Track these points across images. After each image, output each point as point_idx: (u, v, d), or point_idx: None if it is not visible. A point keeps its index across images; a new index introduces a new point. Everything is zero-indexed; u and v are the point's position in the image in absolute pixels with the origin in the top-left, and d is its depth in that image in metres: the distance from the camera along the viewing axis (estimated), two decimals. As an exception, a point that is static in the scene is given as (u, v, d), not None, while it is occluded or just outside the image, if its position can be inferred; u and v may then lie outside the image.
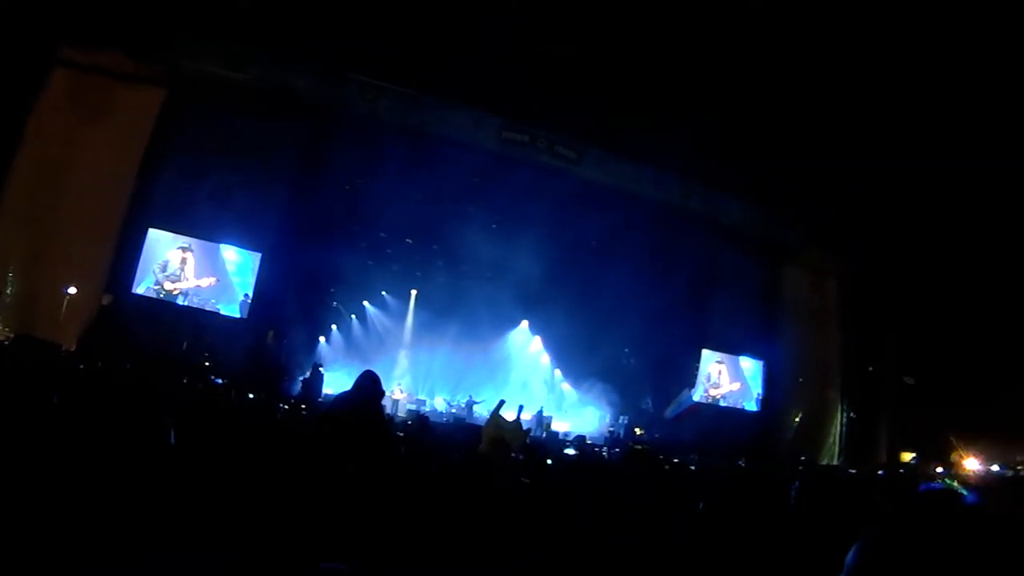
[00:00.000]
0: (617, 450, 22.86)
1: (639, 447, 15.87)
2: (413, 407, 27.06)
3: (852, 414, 29.19)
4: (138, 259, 23.62)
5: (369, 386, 6.91)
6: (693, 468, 14.34)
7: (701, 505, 6.17)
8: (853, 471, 19.51)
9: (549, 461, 9.76)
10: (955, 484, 9.37)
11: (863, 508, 7.06)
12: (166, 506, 3.99)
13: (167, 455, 4.96)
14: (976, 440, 22.12)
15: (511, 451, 7.54)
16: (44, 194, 21.76)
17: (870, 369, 28.71)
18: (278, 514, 4.25)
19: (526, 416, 18.35)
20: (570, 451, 17.93)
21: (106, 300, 22.70)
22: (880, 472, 19.66)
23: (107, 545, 3.41)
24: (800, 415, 29.20)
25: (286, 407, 14.84)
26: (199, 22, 22.29)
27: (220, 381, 19.84)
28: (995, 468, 21.24)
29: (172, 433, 5.61)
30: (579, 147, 25.96)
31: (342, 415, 6.73)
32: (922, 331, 25.84)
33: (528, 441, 8.36)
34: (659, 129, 22.46)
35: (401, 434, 13.06)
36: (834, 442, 29.06)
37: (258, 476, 4.89)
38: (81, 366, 13.46)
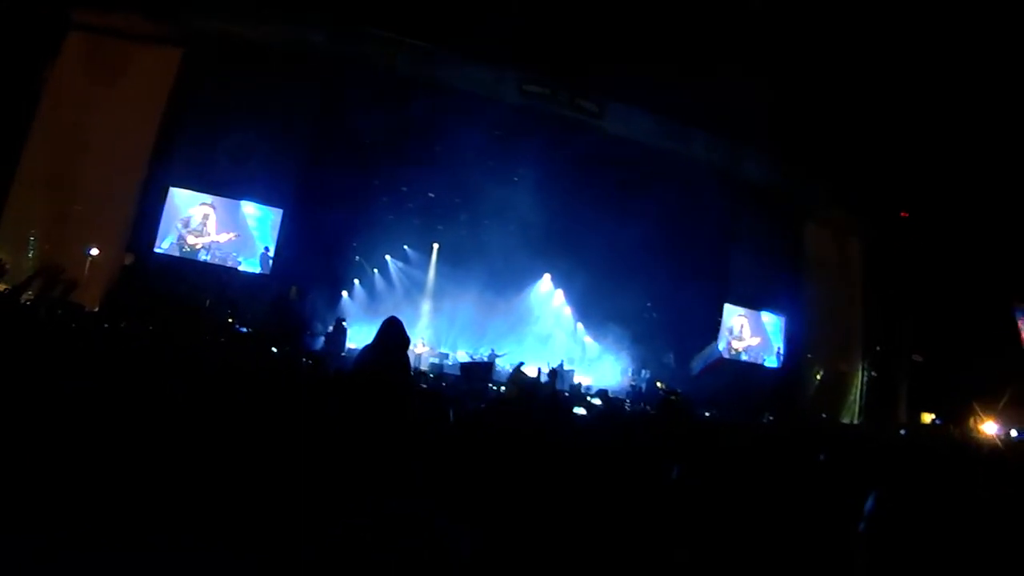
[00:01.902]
0: (642, 404, 22.87)
1: (672, 397, 15.83)
2: (436, 360, 27.14)
3: (873, 374, 29.12)
4: (159, 218, 23.71)
5: (393, 333, 6.90)
6: (717, 423, 14.30)
7: (728, 456, 6.17)
8: (873, 430, 19.56)
9: (580, 410, 9.77)
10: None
11: (882, 464, 7.06)
12: (183, 463, 3.98)
13: (180, 410, 4.97)
14: (995, 404, 22.05)
15: (532, 404, 7.60)
16: (63, 158, 21.79)
17: (890, 330, 28.61)
18: (298, 464, 4.25)
19: (532, 371, 18.40)
20: (596, 401, 17.87)
21: (128, 260, 22.77)
22: (901, 432, 19.67)
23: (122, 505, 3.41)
24: (821, 372, 29.12)
25: (309, 361, 14.86)
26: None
27: (245, 330, 19.96)
28: (1013, 433, 21.21)
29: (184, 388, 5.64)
30: (601, 100, 25.77)
31: (368, 364, 6.72)
32: (943, 292, 25.71)
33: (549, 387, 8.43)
34: (682, 83, 22.28)
35: (424, 386, 13.09)
36: (855, 401, 29.02)
37: (280, 429, 4.89)
38: (105, 326, 13.48)
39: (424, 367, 25.14)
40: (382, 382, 6.38)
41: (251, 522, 3.23)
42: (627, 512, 4.55)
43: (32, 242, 21.29)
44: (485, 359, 28.41)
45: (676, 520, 4.35)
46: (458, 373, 22.43)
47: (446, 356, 28.39)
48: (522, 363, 8.22)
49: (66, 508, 3.29)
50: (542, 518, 4.22)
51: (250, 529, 3.20)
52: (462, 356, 29.00)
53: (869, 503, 2.97)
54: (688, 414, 10.41)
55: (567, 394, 19.93)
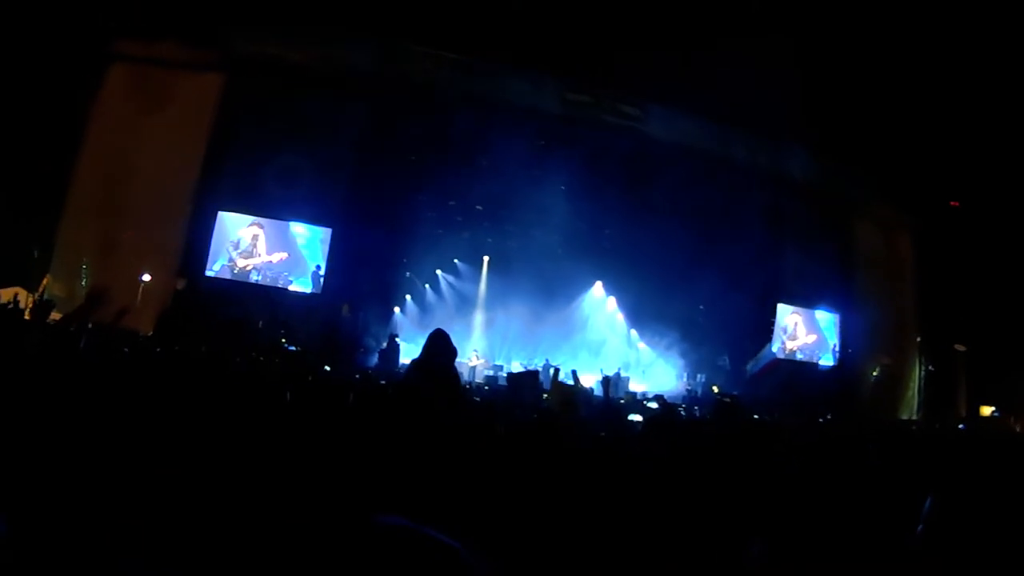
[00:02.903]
0: (696, 408, 22.75)
1: (727, 400, 15.69)
2: (490, 372, 27.11)
3: (930, 368, 28.84)
4: (209, 242, 23.97)
5: (440, 345, 6.87)
6: (774, 424, 14.16)
7: (789, 456, 6.09)
8: (935, 426, 19.32)
9: (636, 417, 9.68)
10: None
11: (939, 461, 6.93)
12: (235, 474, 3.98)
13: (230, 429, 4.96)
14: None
15: (575, 414, 7.53)
16: (111, 186, 22.06)
17: (946, 324, 28.31)
18: (344, 473, 4.24)
19: (588, 380, 18.30)
20: (652, 404, 17.76)
21: (180, 284, 22.98)
22: (960, 426, 19.42)
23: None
24: (878, 369, 28.83)
25: (360, 377, 14.87)
26: (251, 5, 22.37)
27: (293, 348, 20.03)
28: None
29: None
30: (643, 104, 25.76)
31: (415, 378, 6.70)
32: (997, 285, 25.41)
33: (602, 397, 8.36)
34: (723, 83, 22.17)
35: (478, 399, 13.05)
36: (913, 396, 28.77)
37: (328, 444, 4.88)
38: (158, 350, 13.57)
39: (479, 379, 25.12)
40: (428, 395, 6.36)
41: (291, 538, 3.21)
42: (680, 524, 4.49)
43: (84, 270, 21.50)
44: (538, 368, 28.41)
45: (734, 523, 4.28)
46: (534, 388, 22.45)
47: (500, 368, 28.32)
48: (575, 371, 8.12)
49: (117, 532, 3.28)
50: (583, 534, 4.17)
51: (288, 546, 3.18)
52: (516, 367, 28.93)
53: (927, 505, 2.89)
54: (743, 416, 10.30)
55: (622, 401, 19.85)
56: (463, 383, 17.28)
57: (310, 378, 10.30)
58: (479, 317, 30.82)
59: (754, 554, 3.48)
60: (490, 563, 1.89)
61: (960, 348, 27.44)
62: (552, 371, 8.35)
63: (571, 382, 8.19)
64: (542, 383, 24.81)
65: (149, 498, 3.58)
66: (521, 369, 28.08)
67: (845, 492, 4.97)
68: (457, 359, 7.33)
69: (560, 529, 4.14)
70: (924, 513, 2.88)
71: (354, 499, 3.85)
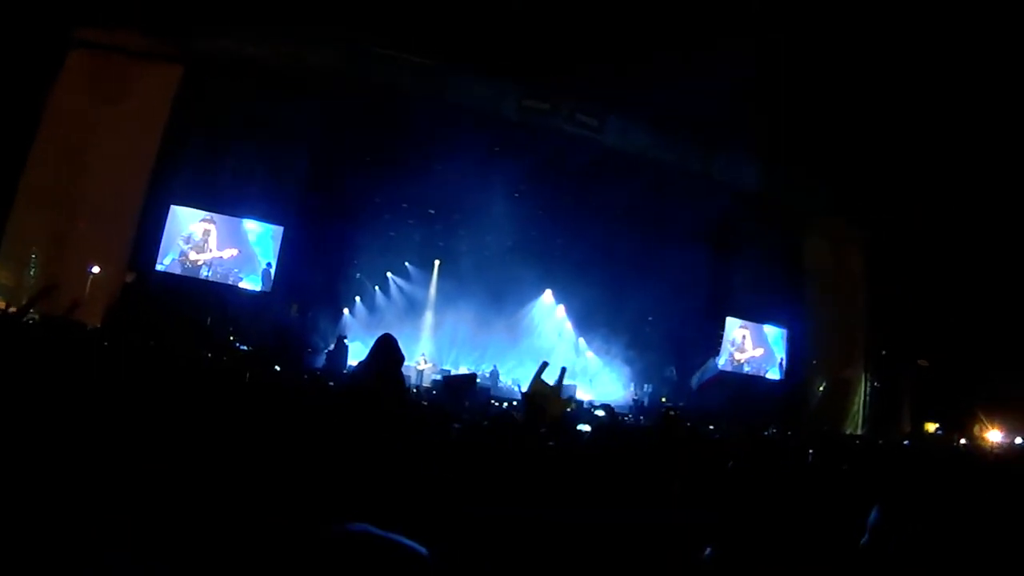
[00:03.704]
0: (642, 418, 22.87)
1: (673, 412, 15.80)
2: (438, 377, 27.11)
3: (876, 384, 29.11)
4: (161, 236, 23.82)
5: (388, 350, 6.90)
6: (717, 436, 14.28)
7: (731, 464, 6.16)
8: (878, 441, 19.55)
9: (584, 427, 9.71)
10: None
11: (883, 473, 7.06)
12: (177, 476, 4.00)
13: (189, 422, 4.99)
14: (999, 412, 22.04)
15: (553, 419, 7.53)
16: (64, 175, 21.85)
17: (893, 340, 28.60)
18: (293, 479, 4.26)
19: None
20: (600, 412, 17.86)
21: (130, 278, 22.82)
22: (905, 442, 19.66)
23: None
24: (824, 384, 29.09)
25: (308, 378, 14.86)
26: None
27: (245, 348, 19.96)
28: (1018, 440, 21.19)
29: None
30: (601, 115, 25.80)
31: (362, 380, 6.74)
32: (946, 302, 25.71)
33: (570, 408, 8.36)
34: (680, 95, 22.26)
35: (425, 403, 13.08)
36: (858, 411, 28.98)
37: (275, 443, 4.90)
38: (105, 343, 13.49)
39: (427, 383, 25.14)
40: (375, 398, 6.40)
41: (241, 534, 3.23)
42: (629, 525, 4.55)
43: (33, 260, 21.31)
44: (475, 372, 28.46)
45: (678, 531, 4.35)
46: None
47: (448, 372, 28.32)
48: (546, 363, 8.02)
49: (65, 519, 3.29)
50: (541, 534, 4.22)
51: (241, 542, 3.20)
52: (464, 372, 28.96)
53: (873, 515, 2.97)
54: (685, 428, 10.40)
55: (569, 410, 19.90)
56: (410, 387, 17.35)
57: (247, 376, 10.29)
58: (428, 321, 30.82)
59: (705, 558, 3.55)
60: (456, 567, 1.95)
61: (923, 363, 27.71)
62: (540, 366, 8.15)
63: (553, 382, 8.16)
64: (487, 387, 24.95)
65: (125, 493, 3.60)
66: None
67: (787, 498, 5.06)
68: (404, 363, 7.37)
69: (512, 532, 4.19)
70: (870, 523, 2.95)
71: (310, 501, 3.89)
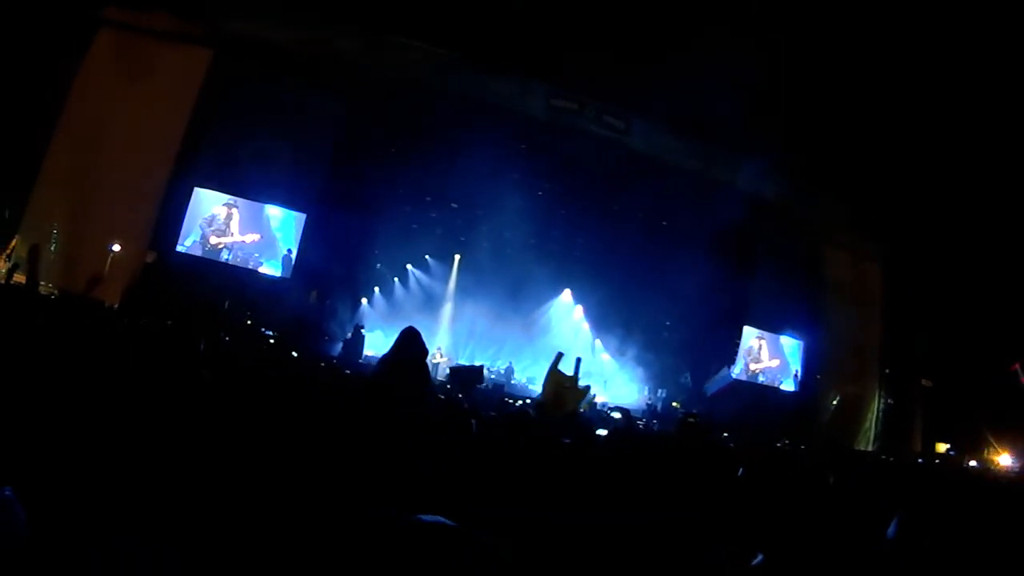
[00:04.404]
0: (655, 422, 22.80)
1: (692, 420, 15.71)
2: (453, 371, 27.16)
3: (890, 401, 28.96)
4: (183, 217, 23.86)
5: (412, 344, 6.84)
6: (731, 445, 14.20)
7: (740, 471, 6.08)
8: (890, 458, 19.44)
9: (601, 432, 9.64)
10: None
11: (898, 491, 6.97)
12: (201, 461, 3.96)
13: (203, 405, 4.94)
14: (1011, 435, 21.93)
15: (569, 411, 7.41)
16: (88, 153, 21.90)
17: (908, 357, 28.45)
18: (308, 469, 4.22)
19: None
20: (616, 415, 17.80)
21: (150, 258, 22.84)
22: (919, 460, 19.54)
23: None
24: (838, 398, 28.94)
25: (325, 366, 14.84)
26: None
27: (270, 332, 19.99)
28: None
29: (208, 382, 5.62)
30: (628, 117, 25.74)
31: (385, 374, 6.67)
32: (962, 320, 25.56)
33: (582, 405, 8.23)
34: (707, 102, 22.17)
35: (442, 396, 13.05)
36: (870, 427, 28.84)
37: (293, 432, 4.85)
38: (124, 321, 13.49)
39: (441, 377, 25.12)
40: (397, 392, 6.34)
41: (256, 525, 3.19)
42: (648, 527, 4.50)
43: (54, 236, 21.36)
44: (503, 372, 28.42)
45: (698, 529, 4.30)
46: (480, 386, 22.46)
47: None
48: (561, 353, 7.90)
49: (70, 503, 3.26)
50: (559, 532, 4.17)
51: (255, 532, 3.16)
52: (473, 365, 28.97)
53: (892, 528, 2.90)
54: (704, 436, 10.32)
55: (582, 411, 19.79)
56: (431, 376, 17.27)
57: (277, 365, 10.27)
58: (446, 314, 30.85)
59: (715, 559, 3.49)
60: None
61: (926, 383, 27.57)
62: (555, 356, 8.01)
63: (570, 372, 8.05)
64: (501, 384, 24.89)
65: (138, 475, 3.57)
66: (485, 371, 28.11)
67: (804, 505, 5.00)
68: (428, 354, 7.30)
69: (530, 529, 4.15)
70: (890, 535, 2.90)
71: (323, 491, 3.85)
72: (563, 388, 6.25)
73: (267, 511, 3.34)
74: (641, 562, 4.01)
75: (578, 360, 8.46)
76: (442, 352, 28.16)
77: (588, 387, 8.76)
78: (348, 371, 14.65)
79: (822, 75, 21.42)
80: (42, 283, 17.13)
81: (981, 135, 21.28)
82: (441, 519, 1.97)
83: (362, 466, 4.51)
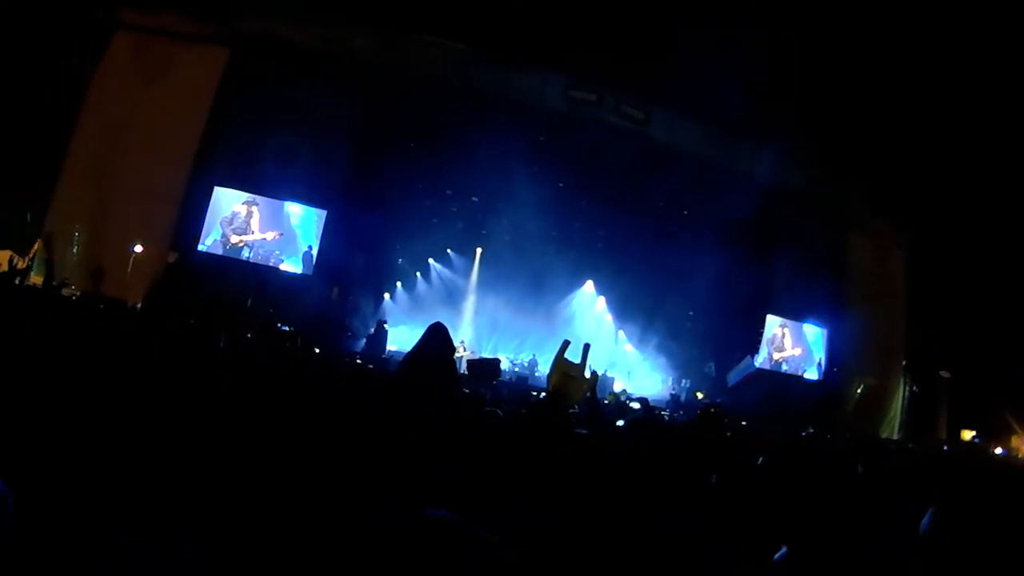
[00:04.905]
0: (680, 412, 22.73)
1: (712, 409, 15.60)
2: (476, 364, 27.15)
3: (915, 388, 28.80)
4: (204, 217, 23.95)
5: (439, 339, 6.80)
6: (754, 434, 14.12)
7: (761, 461, 6.01)
8: (915, 446, 19.34)
9: (620, 422, 9.58)
10: None
11: (927, 481, 6.89)
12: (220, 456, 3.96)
13: (222, 406, 4.94)
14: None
15: (576, 400, 7.36)
16: (108, 154, 22.06)
17: (932, 345, 28.29)
18: (325, 467, 4.20)
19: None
20: (635, 405, 17.75)
21: (172, 258, 22.94)
22: (945, 448, 19.42)
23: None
24: (862, 387, 28.80)
25: (347, 361, 14.86)
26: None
27: (286, 328, 20.00)
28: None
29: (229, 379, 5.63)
30: (647, 108, 25.65)
31: (412, 370, 6.64)
32: (987, 308, 25.39)
33: (589, 393, 8.16)
34: (727, 91, 22.07)
35: (467, 390, 13.03)
36: (895, 416, 28.69)
37: (315, 426, 4.85)
38: (146, 321, 13.54)
39: (464, 370, 25.15)
40: (421, 390, 6.31)
41: (274, 522, 3.18)
42: (664, 520, 4.46)
43: (76, 237, 21.47)
44: (526, 365, 28.42)
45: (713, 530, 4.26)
46: (503, 379, 22.44)
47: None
48: (568, 341, 7.83)
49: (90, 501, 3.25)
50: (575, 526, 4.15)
51: (273, 529, 3.15)
52: (503, 362, 28.90)
53: (926, 520, 2.86)
54: (723, 426, 10.26)
55: (607, 401, 19.79)
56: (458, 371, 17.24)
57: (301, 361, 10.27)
58: (468, 307, 30.87)
59: (776, 560, 3.46)
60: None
61: (945, 375, 27.42)
62: (562, 344, 7.93)
63: (577, 360, 7.97)
64: (525, 376, 24.86)
65: (148, 476, 3.57)
66: (509, 363, 28.14)
67: (830, 496, 4.94)
68: (455, 350, 7.27)
69: (549, 525, 4.12)
70: (923, 528, 2.86)
71: (353, 487, 3.84)
72: (569, 377, 6.19)
73: (277, 511, 3.33)
74: (651, 563, 3.98)
75: (586, 347, 8.36)
76: (465, 345, 28.14)
77: (595, 373, 8.66)
78: (371, 366, 14.67)
79: (843, 58, 21.28)
80: (65, 283, 17.24)
81: (1009, 119, 21.09)
82: (444, 514, 1.95)
83: (375, 464, 4.50)
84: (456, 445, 5.26)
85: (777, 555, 3.43)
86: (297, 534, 2.93)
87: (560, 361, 6.75)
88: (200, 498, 3.41)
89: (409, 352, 6.89)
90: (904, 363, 29.07)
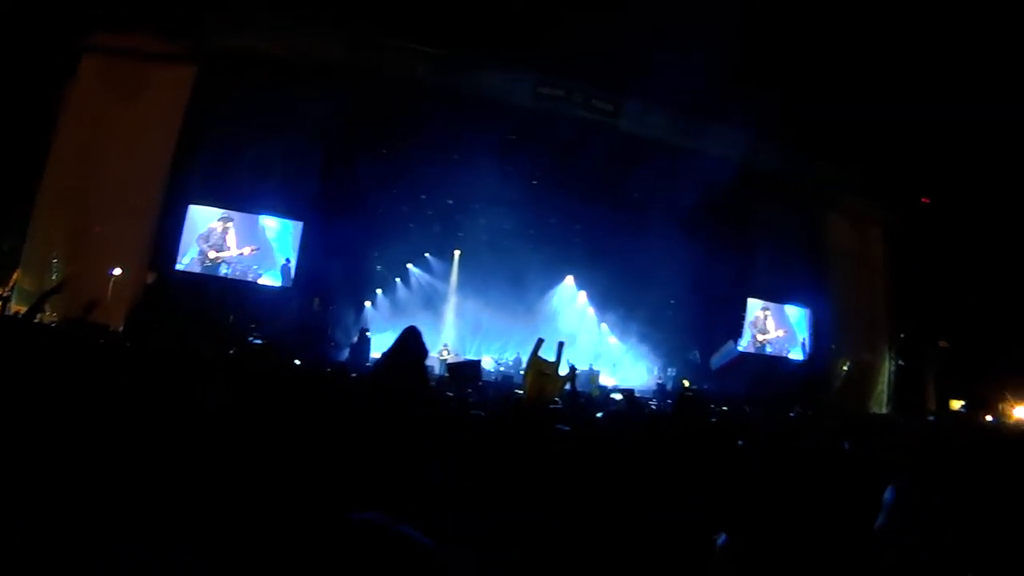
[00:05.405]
0: (669, 401, 22.79)
1: (689, 393, 15.66)
2: (462, 367, 27.13)
3: (900, 362, 28.96)
4: (180, 235, 23.87)
5: (410, 342, 6.87)
6: (741, 418, 14.15)
7: (741, 443, 6.07)
8: (902, 420, 19.43)
9: (599, 415, 9.65)
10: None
11: (906, 452, 6.97)
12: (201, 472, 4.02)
13: (205, 424, 4.99)
14: None
15: (552, 398, 7.44)
16: (82, 179, 21.93)
17: (917, 318, 28.45)
18: (306, 472, 4.26)
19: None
20: (617, 395, 17.78)
21: (150, 278, 22.87)
22: (931, 418, 19.53)
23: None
24: (848, 364, 28.93)
25: (331, 371, 14.87)
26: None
27: (258, 341, 19.96)
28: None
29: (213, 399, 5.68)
30: (616, 100, 25.72)
31: (384, 372, 6.70)
32: (969, 278, 25.56)
33: (570, 387, 8.22)
34: (695, 77, 22.12)
35: (451, 393, 13.05)
36: (883, 390, 28.83)
37: (291, 436, 4.91)
38: (128, 344, 13.53)
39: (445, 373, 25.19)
40: (396, 389, 6.37)
41: (258, 527, 3.24)
42: (644, 508, 4.53)
43: (55, 264, 21.40)
44: (511, 364, 28.45)
45: (695, 517, 4.32)
46: (489, 379, 22.46)
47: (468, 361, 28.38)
48: (541, 340, 7.81)
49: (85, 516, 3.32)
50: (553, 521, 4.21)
51: (257, 534, 3.21)
52: (488, 362, 28.94)
53: (888, 494, 2.91)
54: (703, 409, 10.33)
55: (594, 396, 19.85)
56: (433, 377, 17.26)
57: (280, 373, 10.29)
58: (450, 310, 30.94)
59: (718, 546, 3.50)
60: (462, 561, 1.93)
61: (943, 344, 27.58)
62: (536, 343, 7.97)
63: (551, 358, 7.99)
64: (510, 375, 24.89)
65: (141, 489, 3.62)
66: (494, 364, 28.17)
67: (814, 485, 4.99)
68: (428, 354, 7.34)
69: (525, 525, 4.17)
70: (886, 502, 2.89)
71: (328, 493, 3.90)
72: (544, 375, 6.26)
73: (268, 518, 3.39)
74: (632, 557, 4.04)
75: (559, 344, 8.42)
76: (449, 348, 28.20)
77: (574, 368, 8.68)
78: (354, 374, 14.69)
79: (820, 39, 21.35)
80: (44, 312, 17.20)
81: (978, 85, 21.21)
82: (377, 517, 1.99)
83: (355, 467, 4.56)
84: (438, 448, 5.33)
85: (719, 540, 3.48)
86: (290, 540, 2.99)
87: (534, 360, 6.79)
88: (196, 506, 3.47)
89: (381, 356, 6.97)
90: (889, 337, 29.23)
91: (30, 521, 2.91)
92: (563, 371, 8.53)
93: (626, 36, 21.62)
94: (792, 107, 23.28)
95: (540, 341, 8.24)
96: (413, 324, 7.20)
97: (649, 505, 4.56)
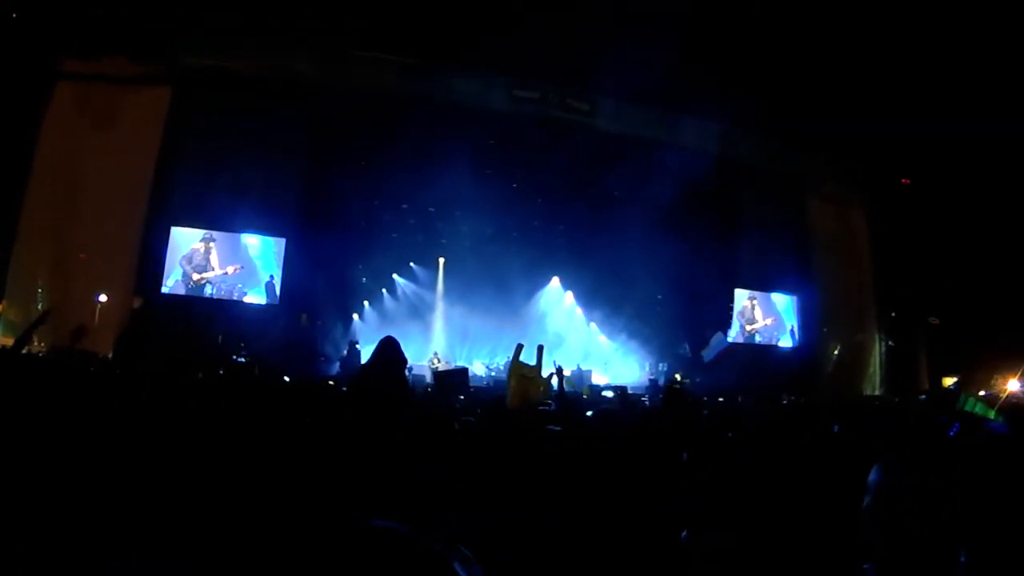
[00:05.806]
0: (661, 396, 22.80)
1: (677, 386, 15.67)
2: (453, 375, 27.11)
3: (890, 343, 29.06)
4: (163, 258, 23.79)
5: (389, 352, 6.89)
6: (732, 409, 14.17)
7: (729, 435, 6.09)
8: (895, 399, 19.46)
9: (589, 413, 9.65)
10: (983, 410, 9.21)
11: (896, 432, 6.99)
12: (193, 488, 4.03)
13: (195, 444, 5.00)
14: (1018, 362, 22.00)
15: (537, 402, 7.44)
16: (63, 207, 21.86)
17: (904, 298, 28.56)
18: (292, 481, 4.29)
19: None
20: (608, 393, 17.80)
21: (136, 303, 22.78)
22: (922, 396, 19.59)
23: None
24: (838, 348, 29.02)
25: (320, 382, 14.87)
26: (195, 18, 22.26)
27: (242, 359, 19.92)
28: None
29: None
30: (591, 98, 25.80)
31: (364, 382, 6.73)
32: (954, 255, 25.65)
33: (556, 389, 8.23)
34: (668, 72, 22.14)
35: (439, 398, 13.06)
36: (875, 371, 28.96)
37: (277, 446, 4.93)
38: (117, 371, 13.49)
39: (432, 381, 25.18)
40: (379, 391, 6.40)
41: (252, 536, 3.25)
42: (638, 504, 4.54)
43: (40, 294, 21.35)
44: (502, 368, 28.42)
45: (688, 505, 4.33)
46: (481, 385, 22.40)
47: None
48: (521, 345, 7.81)
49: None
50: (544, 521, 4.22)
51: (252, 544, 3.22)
52: (478, 368, 28.95)
53: (873, 475, 2.91)
54: (689, 400, 10.34)
55: (584, 396, 19.81)
56: (423, 386, 17.29)
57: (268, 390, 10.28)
58: (438, 318, 30.91)
59: (702, 542, 3.52)
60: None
61: (934, 321, 27.67)
62: (516, 348, 7.97)
63: (532, 362, 7.99)
64: (502, 380, 24.87)
65: (134, 501, 3.63)
66: (484, 369, 28.16)
67: (805, 475, 5.00)
68: (418, 361, 7.39)
69: (513, 527, 4.18)
70: (871, 483, 2.89)
71: (321, 496, 3.92)
72: (526, 379, 6.28)
73: (262, 528, 3.41)
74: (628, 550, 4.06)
75: (539, 348, 8.43)
76: (439, 356, 28.13)
77: (560, 368, 8.67)
78: (344, 388, 14.70)
79: (791, 26, 21.38)
80: (32, 343, 17.14)
81: (955, 67, 21.30)
82: (394, 525, 2.00)
83: (339, 474, 4.58)
84: (426, 451, 5.35)
85: (682, 534, 3.50)
86: (282, 549, 2.99)
87: (516, 364, 6.80)
88: (188, 519, 3.49)
89: (361, 366, 7.00)
90: (877, 318, 29.34)
91: (26, 546, 2.93)
92: (547, 373, 8.55)
93: (593, 34, 21.64)
94: (765, 97, 23.34)
95: (520, 346, 8.27)
96: (390, 335, 7.24)
97: (641, 502, 4.57)
